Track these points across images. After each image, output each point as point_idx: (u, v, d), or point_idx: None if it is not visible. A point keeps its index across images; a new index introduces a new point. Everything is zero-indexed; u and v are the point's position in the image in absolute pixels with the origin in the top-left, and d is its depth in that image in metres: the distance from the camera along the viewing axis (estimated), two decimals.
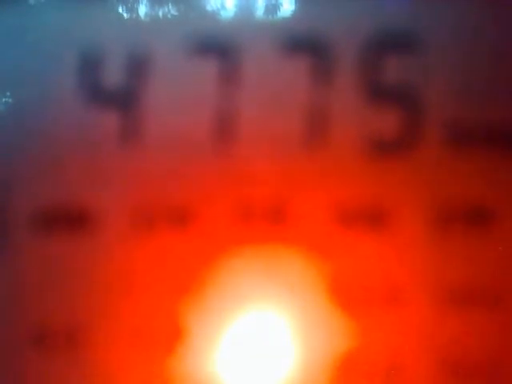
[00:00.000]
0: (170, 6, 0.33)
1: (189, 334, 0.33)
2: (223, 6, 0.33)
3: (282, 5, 0.32)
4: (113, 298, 0.33)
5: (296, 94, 0.32)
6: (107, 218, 0.32)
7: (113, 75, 0.32)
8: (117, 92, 0.32)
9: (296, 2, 0.32)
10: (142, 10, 0.33)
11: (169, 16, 0.33)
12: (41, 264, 0.33)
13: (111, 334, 0.33)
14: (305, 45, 0.32)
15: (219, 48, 0.32)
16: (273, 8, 0.33)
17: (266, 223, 0.32)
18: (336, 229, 0.32)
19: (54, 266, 0.33)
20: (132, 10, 0.33)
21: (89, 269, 0.33)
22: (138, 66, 0.32)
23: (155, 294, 0.33)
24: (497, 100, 0.32)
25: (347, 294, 0.32)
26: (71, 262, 0.33)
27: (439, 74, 0.32)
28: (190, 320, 0.32)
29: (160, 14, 0.33)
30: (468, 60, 0.32)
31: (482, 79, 0.32)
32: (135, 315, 0.33)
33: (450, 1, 0.32)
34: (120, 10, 0.33)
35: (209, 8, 0.33)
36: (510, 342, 0.32)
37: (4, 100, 0.33)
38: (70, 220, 0.32)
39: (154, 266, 0.33)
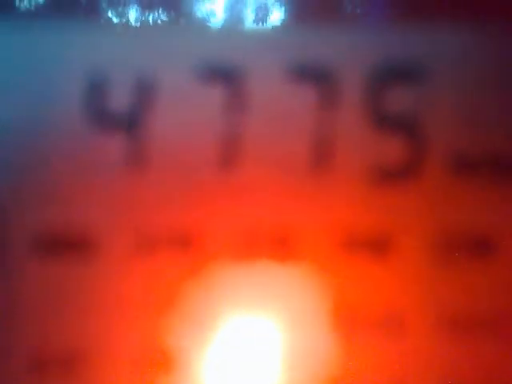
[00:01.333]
0: (176, 31, 0.33)
1: (190, 359, 0.32)
2: (231, 33, 0.33)
3: (288, 33, 0.33)
4: (113, 324, 0.32)
5: (302, 121, 0.32)
6: (110, 243, 0.32)
7: (118, 99, 0.32)
8: (122, 116, 0.32)
9: (303, 30, 0.33)
10: (148, 34, 0.33)
11: (175, 41, 0.33)
12: (41, 289, 0.32)
13: (111, 359, 0.32)
14: (311, 72, 0.32)
15: (225, 74, 0.32)
16: (279, 36, 0.33)
17: (271, 248, 0.32)
18: (340, 254, 0.32)
19: (55, 290, 0.32)
20: (137, 34, 0.33)
21: (89, 293, 0.32)
22: (144, 91, 0.32)
23: (157, 319, 0.32)
24: (500, 130, 0.32)
25: (349, 319, 0.32)
26: (72, 287, 0.32)
27: (444, 104, 0.32)
28: (193, 345, 0.32)
29: (165, 38, 0.33)
30: (472, 90, 0.32)
31: (486, 109, 0.32)
32: (136, 341, 0.32)
33: (456, 31, 0.32)
34: (125, 34, 0.33)
35: (216, 34, 0.33)
36: None
37: (7, 122, 0.33)
38: (71, 244, 0.32)
39: (156, 291, 0.32)
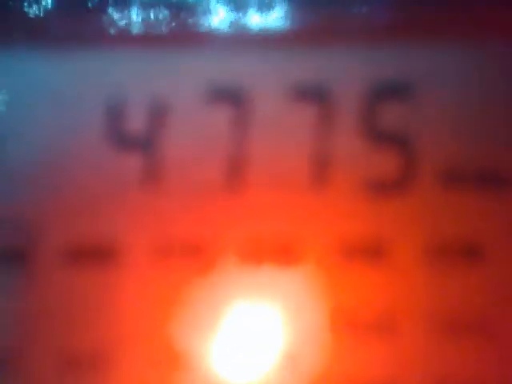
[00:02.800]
0: (188, 56, 0.36)
1: (201, 359, 0.35)
2: (236, 54, 0.36)
3: (288, 54, 0.35)
4: (134, 326, 0.35)
5: (301, 139, 0.35)
6: (128, 253, 0.35)
7: (134, 122, 0.36)
8: (139, 137, 0.36)
9: (303, 51, 0.35)
10: (161, 59, 0.36)
11: (187, 66, 0.36)
12: (66, 295, 0.36)
13: (131, 360, 0.35)
14: (311, 93, 0.35)
15: (232, 96, 0.35)
16: (280, 58, 0.35)
17: (275, 258, 0.35)
18: (338, 261, 0.35)
19: (79, 296, 0.35)
20: (151, 59, 0.36)
21: (113, 299, 0.36)
22: (157, 113, 0.35)
23: (177, 324, 0.35)
24: (491, 145, 0.34)
25: (346, 322, 0.35)
26: (95, 293, 0.36)
27: (435, 120, 0.35)
28: (204, 346, 0.35)
29: (178, 63, 0.36)
30: (464, 107, 0.34)
31: (477, 125, 0.34)
32: (159, 344, 0.35)
33: (448, 50, 0.35)
34: (141, 59, 0.36)
35: (224, 60, 0.36)
36: (506, 372, 0.34)
37: (32, 145, 0.36)
38: (94, 254, 0.35)
39: (171, 296, 0.35)
